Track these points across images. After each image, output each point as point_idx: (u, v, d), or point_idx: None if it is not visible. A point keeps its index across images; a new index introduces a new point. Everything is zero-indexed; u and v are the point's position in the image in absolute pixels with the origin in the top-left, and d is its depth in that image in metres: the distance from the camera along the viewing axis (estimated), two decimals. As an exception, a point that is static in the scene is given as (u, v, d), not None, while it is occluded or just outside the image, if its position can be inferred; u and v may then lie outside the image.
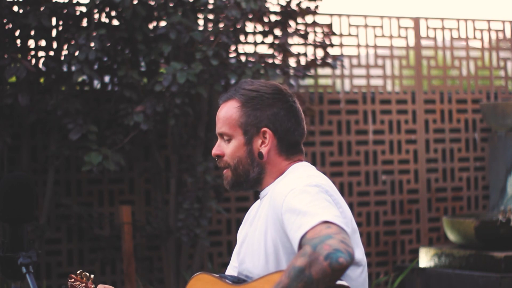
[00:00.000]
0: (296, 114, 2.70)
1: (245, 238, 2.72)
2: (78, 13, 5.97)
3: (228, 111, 2.67)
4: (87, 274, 2.94)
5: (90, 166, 5.75)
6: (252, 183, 2.69)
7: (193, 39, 5.98)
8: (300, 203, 2.44)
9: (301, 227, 2.38)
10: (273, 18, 6.69)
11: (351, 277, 2.55)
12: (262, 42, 6.87)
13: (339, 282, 2.43)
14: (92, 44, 5.71)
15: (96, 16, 6.06)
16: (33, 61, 6.15)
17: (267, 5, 6.47)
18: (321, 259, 2.26)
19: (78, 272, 2.98)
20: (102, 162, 5.74)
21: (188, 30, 5.92)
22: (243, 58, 6.40)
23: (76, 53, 5.78)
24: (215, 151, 2.71)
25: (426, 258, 6.88)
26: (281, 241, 2.52)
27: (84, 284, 2.93)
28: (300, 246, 2.38)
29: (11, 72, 5.60)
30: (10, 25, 5.90)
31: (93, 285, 2.92)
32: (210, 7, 6.10)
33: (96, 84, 6.50)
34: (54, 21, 6.05)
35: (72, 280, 2.97)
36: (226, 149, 2.68)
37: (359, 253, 2.59)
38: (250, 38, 6.91)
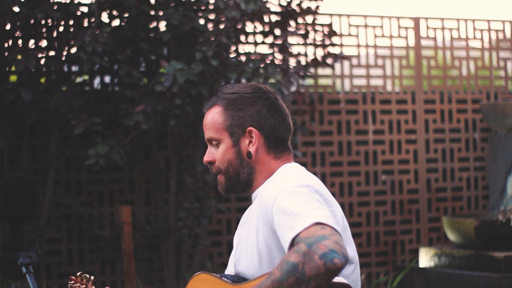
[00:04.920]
0: (279, 109, 2.72)
1: (239, 241, 2.73)
2: (79, 13, 5.98)
3: (212, 117, 2.70)
4: (87, 275, 2.94)
5: (94, 159, 5.74)
6: (244, 185, 2.71)
7: (195, 31, 5.98)
8: (291, 204, 2.45)
9: (293, 228, 2.39)
10: (273, 18, 6.70)
11: (343, 274, 2.55)
12: (262, 42, 6.87)
13: (338, 280, 2.43)
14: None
15: (97, 15, 6.07)
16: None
17: (267, 5, 6.47)
18: (316, 257, 2.28)
19: (78, 273, 2.97)
20: (108, 153, 5.74)
21: (189, 21, 5.92)
22: (243, 58, 6.40)
23: (73, 50, 5.78)
24: (206, 158, 2.73)
25: (426, 258, 6.88)
26: (274, 241, 2.53)
27: (84, 286, 2.92)
28: (292, 245, 2.39)
29: (21, 64, 5.61)
30: (10, 26, 5.91)
31: (93, 287, 2.91)
32: (211, 7, 6.11)
33: (97, 84, 6.50)
34: (55, 20, 6.06)
35: (72, 282, 2.97)
36: (216, 154, 2.71)
37: (351, 251, 2.60)
38: (250, 38, 6.91)
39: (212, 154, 2.72)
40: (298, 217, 2.40)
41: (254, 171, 2.69)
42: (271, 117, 2.69)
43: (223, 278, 2.65)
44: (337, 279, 2.44)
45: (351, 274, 2.59)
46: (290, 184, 2.53)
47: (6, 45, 5.92)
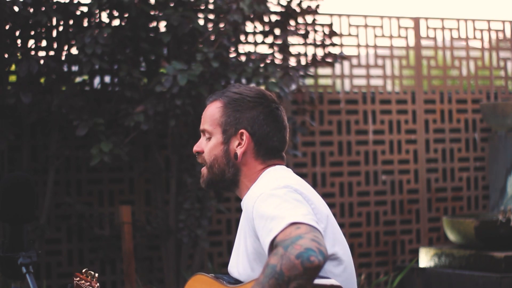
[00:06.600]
0: (277, 120, 2.73)
1: (234, 247, 2.76)
2: (79, 13, 5.98)
3: (211, 111, 2.75)
4: (92, 272, 2.98)
5: (98, 158, 5.73)
6: (228, 183, 2.74)
7: (195, 32, 5.97)
8: (268, 208, 2.47)
9: (271, 232, 2.41)
10: (273, 18, 6.70)
11: (334, 273, 2.57)
12: (262, 42, 6.87)
13: (330, 282, 2.44)
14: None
15: (97, 15, 6.07)
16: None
17: (268, 5, 6.47)
18: (293, 258, 2.29)
19: (83, 270, 3.01)
20: (112, 150, 5.74)
21: (189, 21, 5.92)
22: (243, 58, 6.40)
23: (75, 51, 5.77)
24: (195, 147, 2.78)
25: (426, 258, 6.89)
26: (261, 246, 2.54)
27: (88, 283, 2.95)
28: (272, 249, 2.41)
29: (23, 69, 5.61)
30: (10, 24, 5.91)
31: (98, 284, 2.94)
32: (211, 7, 6.11)
33: (97, 84, 6.50)
34: (54, 21, 6.06)
35: (78, 278, 2.99)
36: (206, 146, 2.74)
37: (341, 249, 2.61)
38: (250, 38, 6.91)
39: (202, 145, 2.76)
40: (274, 220, 2.42)
41: (239, 173, 2.71)
42: (266, 125, 2.70)
43: (220, 279, 2.66)
44: (328, 281, 2.44)
45: (343, 272, 2.60)
46: (269, 187, 2.55)
47: (6, 45, 5.92)
